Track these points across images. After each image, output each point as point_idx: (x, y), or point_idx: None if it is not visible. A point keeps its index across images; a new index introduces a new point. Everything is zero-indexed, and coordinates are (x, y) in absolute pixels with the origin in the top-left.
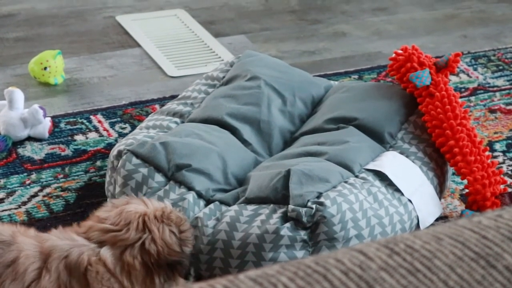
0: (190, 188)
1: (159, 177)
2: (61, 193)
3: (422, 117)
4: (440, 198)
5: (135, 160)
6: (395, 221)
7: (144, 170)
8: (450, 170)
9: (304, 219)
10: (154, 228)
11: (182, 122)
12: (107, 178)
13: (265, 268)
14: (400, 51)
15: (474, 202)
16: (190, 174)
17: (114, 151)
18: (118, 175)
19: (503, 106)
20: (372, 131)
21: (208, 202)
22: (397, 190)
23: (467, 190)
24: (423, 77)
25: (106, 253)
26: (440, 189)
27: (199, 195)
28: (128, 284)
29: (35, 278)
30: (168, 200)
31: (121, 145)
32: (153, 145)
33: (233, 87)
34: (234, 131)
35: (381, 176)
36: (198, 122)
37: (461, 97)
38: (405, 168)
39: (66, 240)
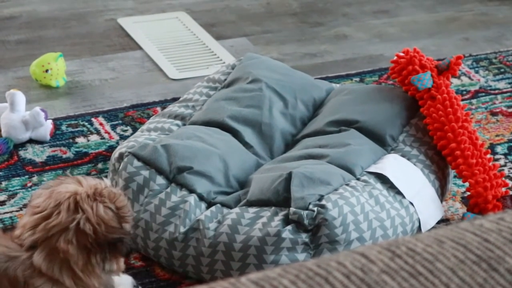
0: (191, 191)
1: (160, 180)
2: None
3: (423, 120)
4: (441, 201)
5: (136, 163)
6: (396, 224)
7: (145, 173)
8: (452, 172)
9: (306, 221)
10: (87, 207)
11: (184, 124)
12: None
13: (267, 270)
14: (401, 54)
15: (475, 205)
16: (191, 176)
17: (115, 154)
18: (119, 177)
19: (504, 109)
20: (374, 133)
21: (209, 204)
22: (399, 192)
23: (468, 193)
24: (425, 80)
25: (38, 259)
26: (442, 192)
27: (201, 197)
28: (71, 282)
29: None
30: (170, 202)
31: (122, 147)
32: (154, 148)
33: (235, 89)
34: (235, 134)
35: (383, 179)
36: (199, 124)
37: (462, 100)
38: (406, 171)
39: (3, 248)
